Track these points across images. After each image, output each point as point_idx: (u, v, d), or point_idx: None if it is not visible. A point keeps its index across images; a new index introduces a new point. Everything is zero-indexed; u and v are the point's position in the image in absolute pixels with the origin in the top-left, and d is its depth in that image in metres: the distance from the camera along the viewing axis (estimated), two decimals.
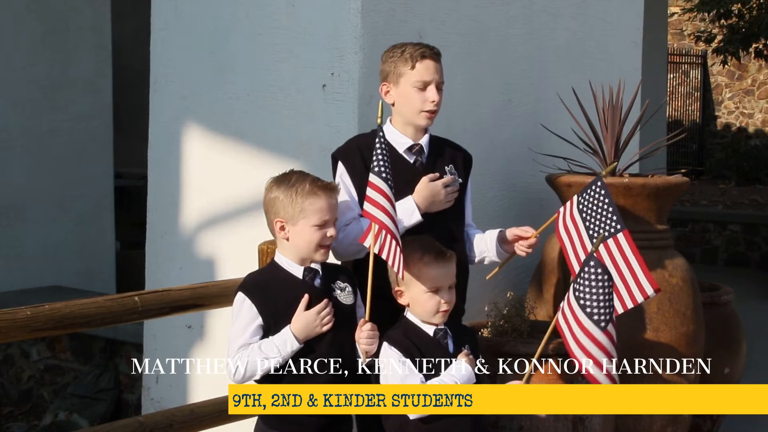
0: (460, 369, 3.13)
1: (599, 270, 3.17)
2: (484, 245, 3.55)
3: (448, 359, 3.17)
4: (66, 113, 6.97)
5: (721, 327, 4.83)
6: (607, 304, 3.15)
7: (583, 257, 3.39)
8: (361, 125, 3.94)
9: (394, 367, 3.11)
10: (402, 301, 3.21)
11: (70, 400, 5.66)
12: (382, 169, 3.14)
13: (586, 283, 3.17)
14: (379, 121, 3.20)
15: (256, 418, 3.24)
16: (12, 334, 3.04)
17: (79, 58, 7.05)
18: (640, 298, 3.38)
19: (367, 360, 3.15)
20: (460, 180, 3.53)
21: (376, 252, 3.11)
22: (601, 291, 3.16)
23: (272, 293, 3.11)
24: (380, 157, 3.15)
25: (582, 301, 3.17)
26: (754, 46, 11.88)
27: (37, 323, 3.05)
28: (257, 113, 4.28)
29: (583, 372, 3.18)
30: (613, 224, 3.39)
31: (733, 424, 5.12)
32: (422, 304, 3.16)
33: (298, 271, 3.15)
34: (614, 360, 3.17)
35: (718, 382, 4.80)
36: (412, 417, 3.10)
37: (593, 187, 3.44)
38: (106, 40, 7.24)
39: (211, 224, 4.46)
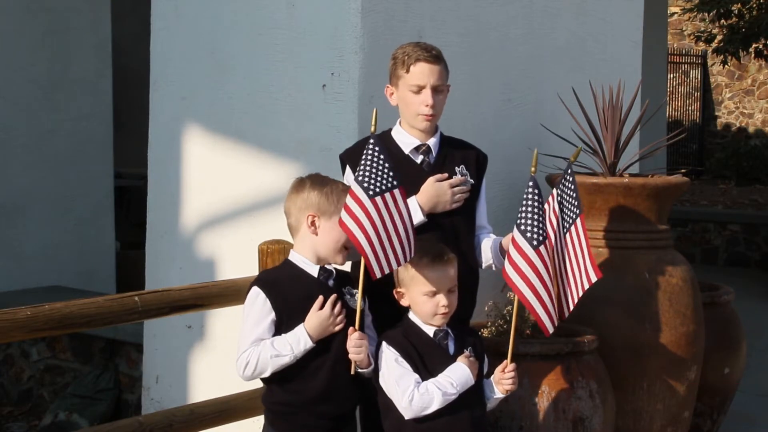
0: (457, 371, 3.13)
1: (536, 191, 3.23)
2: (490, 252, 3.54)
3: (448, 361, 3.16)
4: (66, 113, 6.97)
5: (721, 327, 4.83)
6: (539, 224, 3.20)
7: (560, 250, 3.40)
8: (361, 125, 3.94)
9: (390, 367, 3.11)
10: (403, 302, 3.22)
11: (70, 400, 5.66)
12: (366, 176, 3.06)
13: (523, 205, 3.24)
14: (373, 129, 3.17)
15: (263, 420, 3.23)
16: (12, 334, 3.05)
17: (79, 58, 7.05)
18: (586, 285, 3.33)
19: (361, 369, 3.14)
20: (471, 181, 3.52)
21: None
22: (534, 211, 3.21)
23: (287, 289, 3.12)
24: (365, 164, 3.08)
25: (518, 221, 3.22)
26: (754, 46, 11.89)
27: (37, 323, 3.05)
28: (257, 113, 4.28)
29: (521, 298, 3.21)
30: (575, 208, 3.36)
31: (733, 424, 5.13)
32: (420, 305, 3.17)
33: (313, 270, 3.16)
34: (549, 288, 3.20)
35: (718, 382, 4.81)
36: (407, 416, 3.10)
37: (565, 176, 3.41)
38: (106, 40, 7.23)
39: (211, 224, 4.46)
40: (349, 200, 3.07)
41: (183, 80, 4.55)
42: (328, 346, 3.11)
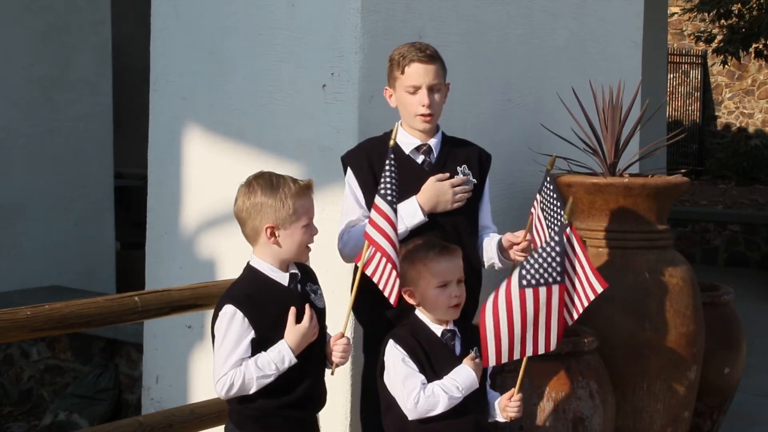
0: (463, 373, 3.13)
1: (556, 239, 3.12)
2: (491, 251, 3.53)
3: (454, 362, 3.15)
4: (66, 113, 6.97)
5: (721, 327, 4.83)
6: (536, 267, 3.09)
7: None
8: (361, 125, 3.94)
9: (397, 366, 3.11)
10: (412, 300, 3.20)
11: (70, 400, 5.66)
12: (389, 192, 3.09)
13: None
14: (392, 143, 3.17)
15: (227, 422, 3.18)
16: (12, 334, 3.05)
17: (79, 58, 7.05)
18: (591, 296, 3.24)
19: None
20: (474, 180, 3.51)
21: (368, 275, 3.09)
22: (538, 253, 3.11)
23: (262, 304, 3.01)
24: (388, 179, 3.11)
25: (523, 262, 3.14)
26: (754, 46, 11.90)
27: (37, 323, 3.05)
28: (257, 113, 4.28)
29: (481, 324, 3.12)
30: (561, 218, 3.31)
31: (733, 424, 5.13)
32: (432, 300, 3.15)
33: (281, 278, 3.06)
34: (513, 330, 3.08)
35: (718, 382, 4.81)
36: (411, 417, 3.10)
37: (545, 184, 3.39)
38: (106, 40, 7.24)
39: (211, 224, 4.46)
40: (375, 215, 3.08)
41: (183, 80, 4.55)
42: (306, 352, 3.04)
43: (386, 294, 3.09)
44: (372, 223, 3.10)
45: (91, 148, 7.13)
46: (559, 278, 3.10)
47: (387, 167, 3.13)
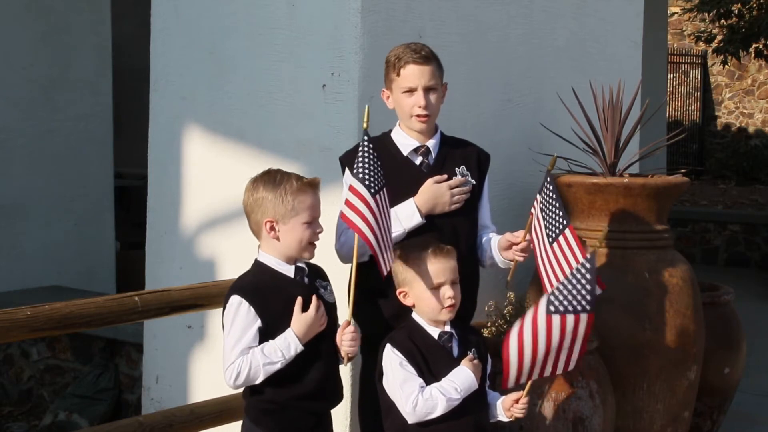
0: (461, 375, 3.12)
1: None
2: (491, 251, 3.53)
3: (452, 364, 3.15)
4: (66, 113, 6.97)
5: (721, 327, 4.83)
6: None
7: (546, 257, 3.37)
8: (361, 125, 3.92)
9: (395, 371, 3.11)
10: (407, 302, 3.21)
11: (70, 400, 5.66)
12: (366, 173, 3.10)
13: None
14: (365, 126, 3.17)
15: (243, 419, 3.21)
16: (12, 334, 3.05)
17: (79, 58, 7.05)
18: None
19: (350, 359, 3.16)
20: (472, 181, 3.51)
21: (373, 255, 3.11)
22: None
23: (268, 295, 3.07)
24: (363, 161, 3.11)
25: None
26: (754, 46, 11.90)
27: (37, 323, 3.05)
28: (257, 113, 4.28)
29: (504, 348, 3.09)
30: (561, 219, 3.32)
31: (733, 424, 5.13)
32: (426, 301, 3.15)
33: (288, 270, 3.12)
34: (537, 353, 3.06)
35: (718, 382, 4.81)
36: (410, 421, 3.10)
37: (545, 184, 3.39)
38: (106, 40, 7.24)
39: (211, 224, 4.46)
40: (351, 197, 3.08)
41: (183, 80, 4.55)
42: (316, 344, 3.08)
43: (382, 270, 3.11)
44: (348, 204, 3.09)
45: (91, 148, 7.14)
46: (588, 307, 3.01)
47: (360, 151, 3.12)
